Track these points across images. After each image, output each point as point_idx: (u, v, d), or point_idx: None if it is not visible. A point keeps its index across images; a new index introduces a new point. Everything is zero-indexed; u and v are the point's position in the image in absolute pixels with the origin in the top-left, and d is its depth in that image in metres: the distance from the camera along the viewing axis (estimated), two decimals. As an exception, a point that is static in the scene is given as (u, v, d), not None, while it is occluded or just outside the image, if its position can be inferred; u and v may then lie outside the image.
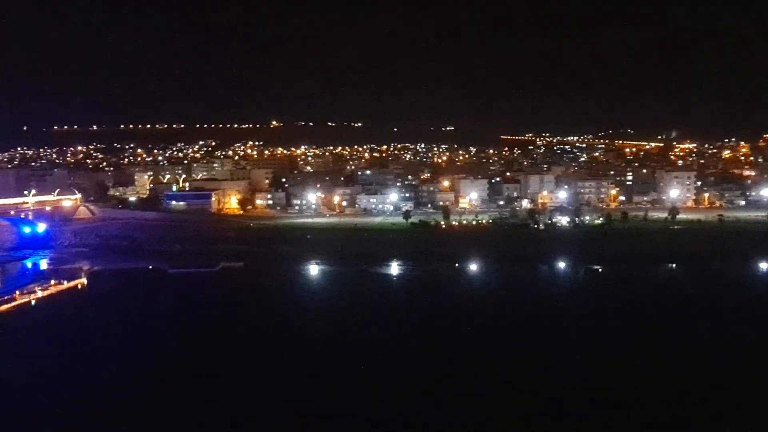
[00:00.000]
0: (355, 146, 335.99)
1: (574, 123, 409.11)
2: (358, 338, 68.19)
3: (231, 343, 67.40)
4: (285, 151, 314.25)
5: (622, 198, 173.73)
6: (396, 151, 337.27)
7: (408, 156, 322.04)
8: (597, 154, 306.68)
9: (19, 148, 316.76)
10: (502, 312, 79.99)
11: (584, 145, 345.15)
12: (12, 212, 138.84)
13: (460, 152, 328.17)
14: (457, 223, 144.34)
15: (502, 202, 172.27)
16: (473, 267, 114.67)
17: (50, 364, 60.54)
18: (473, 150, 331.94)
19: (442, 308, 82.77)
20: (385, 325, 73.73)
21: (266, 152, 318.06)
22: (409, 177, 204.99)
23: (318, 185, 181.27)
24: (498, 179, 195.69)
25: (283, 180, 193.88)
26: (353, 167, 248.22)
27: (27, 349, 66.82)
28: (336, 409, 48.94)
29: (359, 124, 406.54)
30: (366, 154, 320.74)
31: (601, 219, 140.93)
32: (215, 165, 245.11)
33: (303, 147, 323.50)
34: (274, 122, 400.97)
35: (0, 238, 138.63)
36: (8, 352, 65.90)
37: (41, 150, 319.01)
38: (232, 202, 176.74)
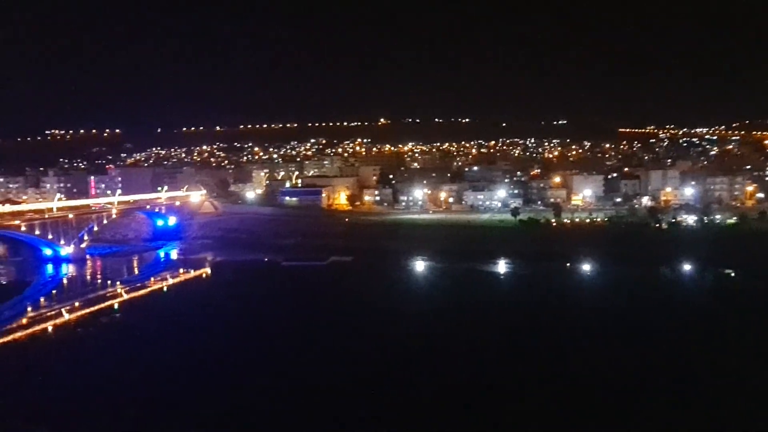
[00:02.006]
0: (462, 142, 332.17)
1: (703, 114, 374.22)
2: (463, 336, 67.17)
3: (339, 333, 69.16)
4: (392, 148, 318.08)
5: (761, 195, 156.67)
6: (504, 147, 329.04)
7: (517, 152, 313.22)
8: (730, 147, 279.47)
9: (154, 149, 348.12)
10: (614, 318, 74.61)
11: (715, 138, 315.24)
12: (148, 206, 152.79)
13: (573, 147, 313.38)
14: (569, 221, 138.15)
15: (619, 200, 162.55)
16: (586, 268, 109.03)
17: (178, 343, 65.82)
18: (587, 144, 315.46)
19: (552, 310, 79.09)
20: (491, 324, 71.96)
21: (374, 149, 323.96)
22: (518, 173, 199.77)
23: (424, 182, 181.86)
24: (615, 175, 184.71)
25: (391, 176, 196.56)
26: (460, 163, 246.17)
27: (159, 329, 73.21)
28: (444, 407, 48.54)
29: (466, 120, 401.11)
30: (473, 151, 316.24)
31: (734, 218, 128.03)
32: (326, 162, 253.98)
33: (410, 144, 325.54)
34: (382, 120, 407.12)
35: (138, 229, 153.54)
36: (142, 331, 72.66)
37: (172, 150, 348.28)
38: (341, 198, 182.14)
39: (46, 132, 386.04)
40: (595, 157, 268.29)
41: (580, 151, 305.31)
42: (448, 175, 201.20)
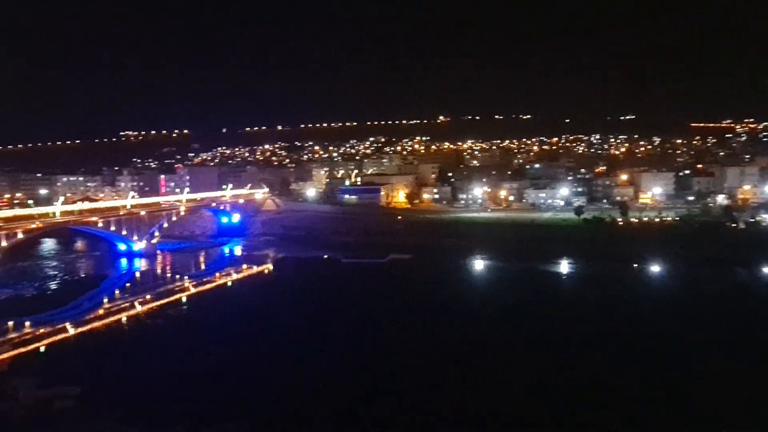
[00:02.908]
0: (523, 139, 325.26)
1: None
2: (522, 335, 65.60)
3: (397, 329, 69.08)
4: (451, 146, 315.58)
5: None
6: (567, 144, 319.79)
7: (581, 148, 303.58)
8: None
9: (219, 148, 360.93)
10: (685, 321, 70.76)
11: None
12: (213, 204, 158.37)
13: (641, 143, 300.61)
14: (636, 220, 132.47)
15: (691, 198, 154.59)
16: (655, 269, 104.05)
17: (242, 336, 67.65)
18: (657, 140, 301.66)
19: (617, 313, 75.98)
20: (551, 325, 69.90)
21: (433, 147, 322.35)
22: (582, 170, 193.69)
23: (484, 179, 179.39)
24: (687, 172, 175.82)
25: (450, 174, 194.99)
26: (521, 161, 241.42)
27: (224, 322, 75.59)
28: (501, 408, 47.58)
29: (528, 117, 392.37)
30: (535, 147, 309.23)
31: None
32: (384, 160, 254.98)
33: (469, 141, 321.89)
34: (441, 117, 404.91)
35: (204, 226, 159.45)
36: (208, 323, 75.44)
37: (236, 149, 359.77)
38: (399, 196, 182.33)
39: (121, 133, 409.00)
40: (666, 154, 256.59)
41: (649, 147, 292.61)
42: (509, 172, 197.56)
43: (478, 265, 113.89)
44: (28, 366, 58.82)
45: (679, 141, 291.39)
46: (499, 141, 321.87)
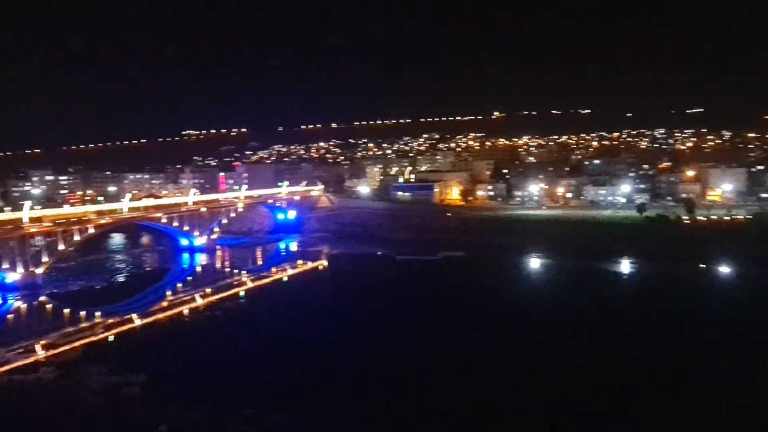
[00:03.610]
0: (582, 134, 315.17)
1: None
2: (581, 335, 63.73)
3: (450, 327, 68.64)
4: (507, 142, 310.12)
5: None
6: (629, 139, 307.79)
7: (643, 143, 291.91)
8: None
9: (275, 146, 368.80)
10: (749, 328, 66.69)
11: None
12: (270, 201, 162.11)
13: (710, 137, 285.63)
14: (704, 219, 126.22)
15: (765, 195, 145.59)
16: (724, 270, 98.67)
17: (297, 328, 69.01)
18: (727, 134, 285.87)
19: (681, 315, 72.37)
20: (608, 325, 67.54)
21: (488, 143, 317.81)
22: (645, 166, 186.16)
23: (541, 176, 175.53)
24: (760, 168, 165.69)
25: (504, 171, 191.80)
26: (579, 157, 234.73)
27: (280, 315, 77.27)
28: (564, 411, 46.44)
29: (587, 111, 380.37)
30: (594, 143, 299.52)
31: None
32: (438, 157, 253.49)
33: (525, 137, 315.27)
34: (496, 113, 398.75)
35: (261, 222, 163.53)
36: (266, 315, 77.23)
37: (292, 147, 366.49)
38: (453, 193, 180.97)
39: (183, 133, 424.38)
40: (736, 148, 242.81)
41: (718, 141, 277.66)
42: (566, 169, 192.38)
43: (534, 263, 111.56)
44: (98, 353, 62.13)
45: (751, 135, 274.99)
46: (556, 136, 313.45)
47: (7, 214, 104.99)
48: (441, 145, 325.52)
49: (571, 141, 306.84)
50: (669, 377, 52.06)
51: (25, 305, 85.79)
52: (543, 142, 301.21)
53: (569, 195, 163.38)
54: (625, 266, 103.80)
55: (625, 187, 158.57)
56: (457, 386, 50.93)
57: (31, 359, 60.64)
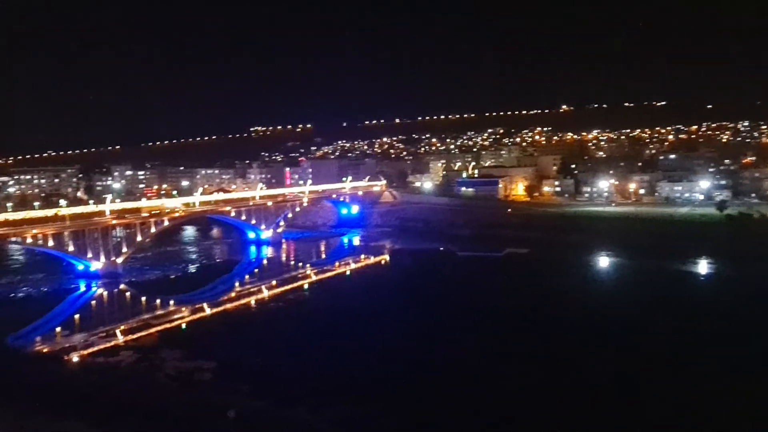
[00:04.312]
0: (657, 128, 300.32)
1: None
2: (654, 340, 60.83)
3: (515, 326, 67.30)
4: (575, 136, 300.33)
5: None
6: (709, 132, 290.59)
7: (725, 137, 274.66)
8: None
9: (339, 142, 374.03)
10: None
11: None
12: (333, 195, 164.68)
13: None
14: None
15: None
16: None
17: (359, 322, 69.71)
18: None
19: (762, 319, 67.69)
20: (687, 329, 64.02)
21: (555, 138, 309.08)
22: (726, 161, 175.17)
23: (611, 171, 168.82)
24: None
25: (572, 166, 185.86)
26: (653, 151, 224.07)
27: (343, 308, 78.06)
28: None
29: (662, 103, 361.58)
30: (669, 136, 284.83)
31: None
32: (503, 152, 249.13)
33: (595, 131, 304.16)
34: (564, 106, 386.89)
35: (325, 216, 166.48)
36: (329, 308, 78.62)
37: (356, 142, 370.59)
38: (518, 189, 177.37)
39: (251, 129, 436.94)
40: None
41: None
42: (639, 164, 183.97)
43: (603, 261, 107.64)
44: (172, 340, 65.34)
45: None
46: (628, 130, 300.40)
47: (92, 207, 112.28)
48: (506, 140, 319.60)
49: (644, 135, 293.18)
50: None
51: (107, 292, 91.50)
52: (614, 136, 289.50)
53: (642, 191, 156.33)
54: (705, 267, 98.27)
55: (704, 183, 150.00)
56: (517, 386, 49.90)
57: (112, 343, 64.55)
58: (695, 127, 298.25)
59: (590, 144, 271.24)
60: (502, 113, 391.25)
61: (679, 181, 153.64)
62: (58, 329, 70.77)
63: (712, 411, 44.20)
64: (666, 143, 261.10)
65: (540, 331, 64.92)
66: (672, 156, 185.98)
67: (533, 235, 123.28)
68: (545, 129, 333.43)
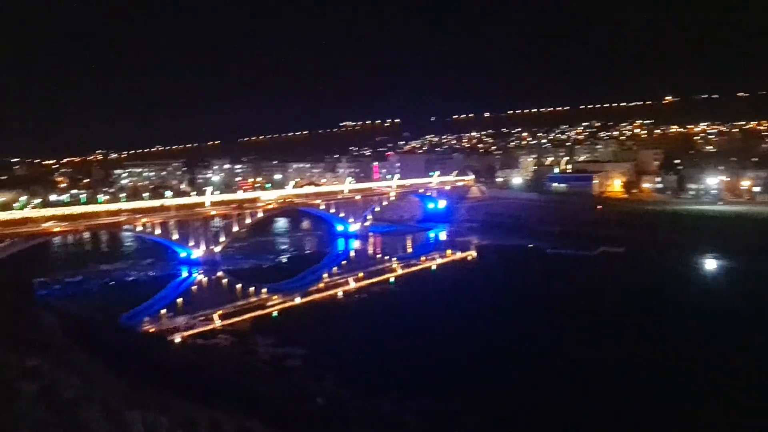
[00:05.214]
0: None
1: None
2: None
3: (609, 328, 64.15)
4: (680, 129, 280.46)
5: None
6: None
7: None
8: None
9: (427, 136, 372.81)
10: None
11: None
12: (420, 190, 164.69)
13: None
14: None
15: None
16: None
17: (445, 317, 69.36)
18: None
19: None
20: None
21: (657, 131, 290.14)
22: None
23: (720, 167, 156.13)
24: None
25: (677, 161, 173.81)
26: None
27: (428, 302, 78.39)
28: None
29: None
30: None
31: None
32: (598, 146, 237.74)
33: (703, 124, 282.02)
34: (667, 97, 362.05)
35: (411, 211, 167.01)
36: (415, 302, 79.08)
37: (444, 137, 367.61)
38: (615, 185, 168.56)
39: (341, 124, 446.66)
40: None
41: None
42: (754, 159, 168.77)
43: (709, 264, 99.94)
44: (265, 326, 68.26)
45: None
46: (742, 123, 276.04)
47: (194, 198, 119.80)
48: (602, 134, 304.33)
49: (761, 127, 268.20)
50: None
51: (206, 279, 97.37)
52: (725, 129, 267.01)
53: (757, 189, 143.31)
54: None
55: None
56: (608, 393, 47.47)
57: (210, 327, 68.52)
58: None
59: (697, 137, 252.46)
60: (598, 105, 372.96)
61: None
62: (163, 311, 76.07)
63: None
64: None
65: (652, 336, 61.35)
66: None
67: (630, 234, 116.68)
68: (646, 122, 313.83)
